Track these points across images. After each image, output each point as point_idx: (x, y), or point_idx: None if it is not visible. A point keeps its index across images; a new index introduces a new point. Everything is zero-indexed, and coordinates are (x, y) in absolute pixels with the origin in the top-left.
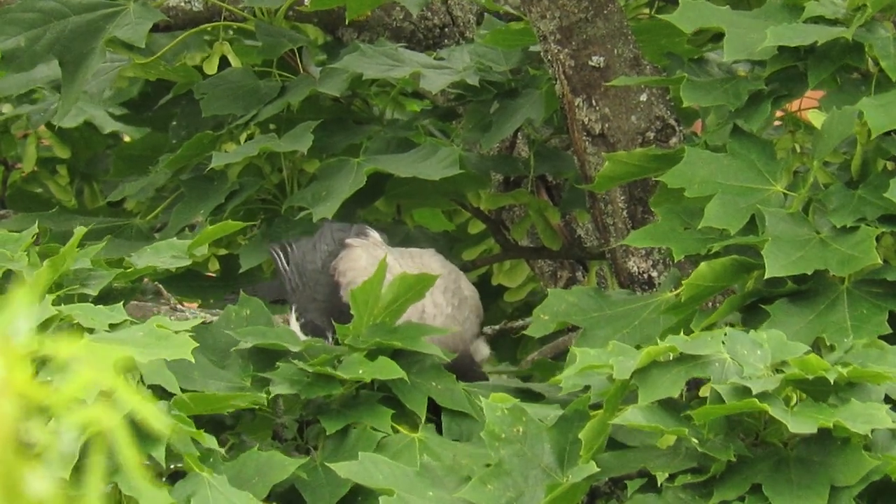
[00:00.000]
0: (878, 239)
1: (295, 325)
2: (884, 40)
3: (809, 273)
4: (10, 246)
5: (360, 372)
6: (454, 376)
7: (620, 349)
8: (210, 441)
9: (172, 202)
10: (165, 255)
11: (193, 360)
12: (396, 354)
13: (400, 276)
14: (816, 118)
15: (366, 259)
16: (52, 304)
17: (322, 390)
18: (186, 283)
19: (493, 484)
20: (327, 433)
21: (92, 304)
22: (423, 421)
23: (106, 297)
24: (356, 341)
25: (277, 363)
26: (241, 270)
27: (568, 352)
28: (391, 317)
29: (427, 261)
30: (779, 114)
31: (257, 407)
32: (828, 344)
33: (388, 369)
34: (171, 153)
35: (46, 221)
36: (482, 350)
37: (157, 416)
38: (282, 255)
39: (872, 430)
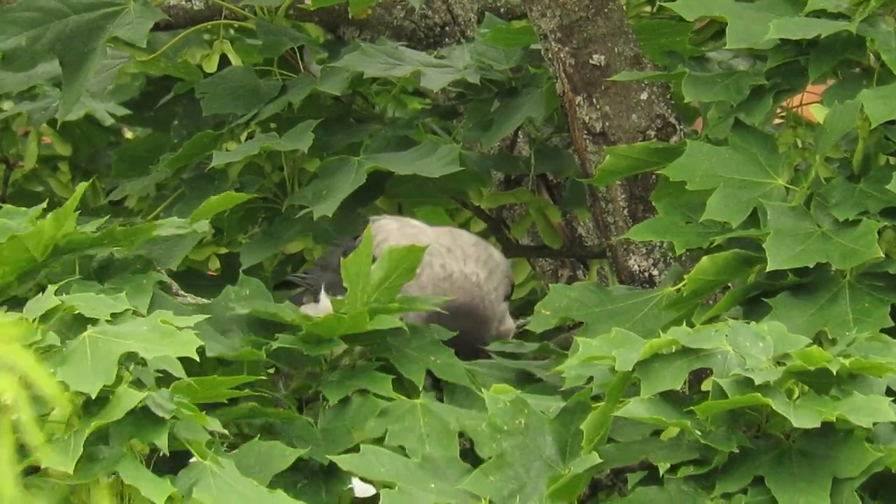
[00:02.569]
0: (880, 232)
1: (324, 298)
2: (885, 34)
3: (811, 266)
4: (18, 218)
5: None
6: (453, 351)
7: (623, 337)
8: (214, 423)
9: (173, 201)
10: (167, 228)
11: (198, 360)
12: (394, 329)
13: (388, 249)
14: (819, 113)
15: (396, 223)
16: (55, 295)
17: (325, 348)
18: (187, 281)
19: (495, 475)
20: (330, 404)
21: (94, 294)
22: (420, 390)
23: (107, 268)
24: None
25: (277, 335)
26: (241, 268)
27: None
28: (385, 295)
29: (454, 231)
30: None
31: (257, 389)
32: (830, 337)
33: (386, 321)
34: (173, 153)
35: None
36: (508, 322)
37: (53, 387)
38: (303, 276)
39: (875, 423)
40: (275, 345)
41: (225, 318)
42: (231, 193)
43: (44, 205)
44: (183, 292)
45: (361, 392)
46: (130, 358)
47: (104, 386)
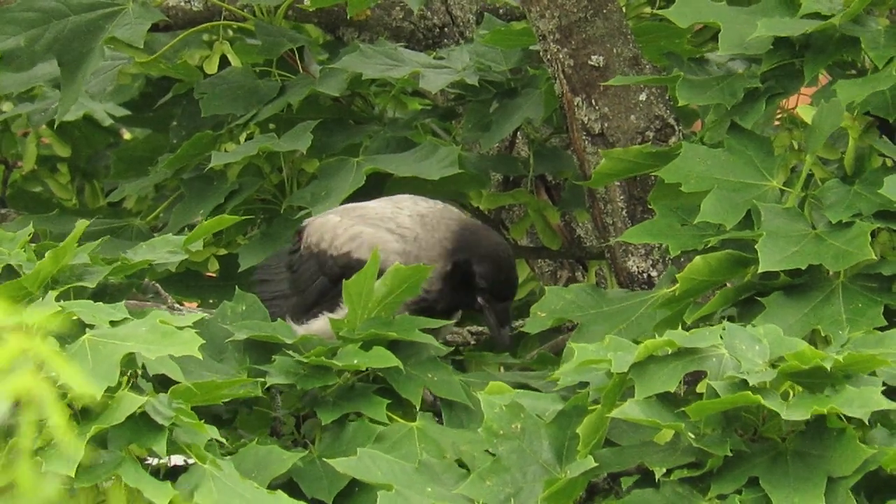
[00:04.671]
0: (873, 234)
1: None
2: (874, 32)
3: (803, 268)
4: (7, 244)
5: (355, 361)
6: (450, 367)
7: (617, 343)
8: (211, 431)
9: (172, 202)
10: (161, 250)
11: (201, 357)
12: (392, 346)
13: (394, 268)
14: (806, 113)
15: (337, 217)
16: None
17: (318, 381)
18: (186, 282)
19: (492, 480)
20: (323, 424)
21: (92, 301)
22: (418, 409)
23: (102, 293)
24: (351, 333)
25: (273, 356)
26: (240, 270)
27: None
28: (387, 310)
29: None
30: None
31: (254, 402)
32: (823, 336)
33: (382, 358)
34: (171, 153)
35: (46, 223)
36: None
37: (84, 385)
38: None
39: (870, 422)
40: (269, 381)
41: (221, 337)
42: (224, 217)
43: (30, 228)
44: (179, 306)
45: (358, 415)
46: (132, 360)
47: (106, 389)
